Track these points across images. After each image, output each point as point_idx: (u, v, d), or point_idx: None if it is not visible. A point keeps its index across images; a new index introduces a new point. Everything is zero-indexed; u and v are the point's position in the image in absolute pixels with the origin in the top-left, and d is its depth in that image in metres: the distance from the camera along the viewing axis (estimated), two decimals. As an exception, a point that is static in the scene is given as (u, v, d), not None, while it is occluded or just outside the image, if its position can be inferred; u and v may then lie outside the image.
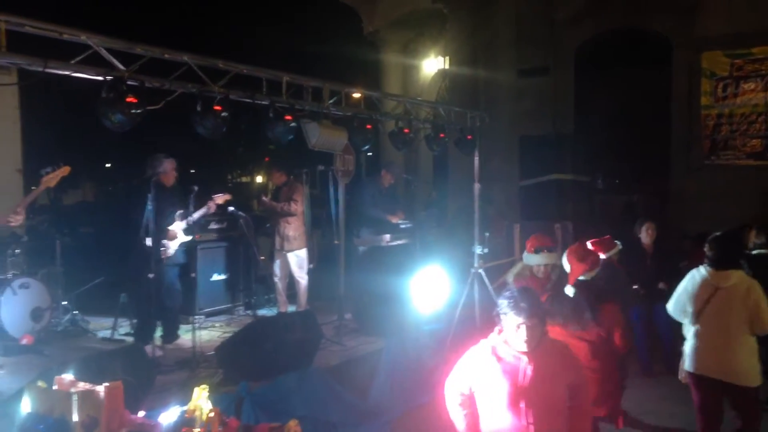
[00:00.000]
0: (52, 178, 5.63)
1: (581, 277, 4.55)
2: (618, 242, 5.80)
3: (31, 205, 7.29)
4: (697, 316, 4.89)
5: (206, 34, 17.12)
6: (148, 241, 6.53)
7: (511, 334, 3.41)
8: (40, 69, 4.19)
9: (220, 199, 7.27)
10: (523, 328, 3.36)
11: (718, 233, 5.05)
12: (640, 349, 7.60)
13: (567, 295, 4.52)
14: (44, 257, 8.20)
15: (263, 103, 5.67)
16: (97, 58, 4.54)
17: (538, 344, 3.41)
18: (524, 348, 3.40)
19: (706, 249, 4.96)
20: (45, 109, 13.41)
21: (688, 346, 5.00)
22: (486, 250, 8.25)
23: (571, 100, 11.87)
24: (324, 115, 6.26)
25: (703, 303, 4.84)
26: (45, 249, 8.28)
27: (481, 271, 8.09)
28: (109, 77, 4.56)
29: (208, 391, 3.70)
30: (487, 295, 7.92)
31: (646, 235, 7.58)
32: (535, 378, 3.38)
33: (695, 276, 5.00)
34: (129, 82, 4.63)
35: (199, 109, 5.16)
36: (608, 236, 5.81)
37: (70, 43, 4.36)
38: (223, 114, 5.17)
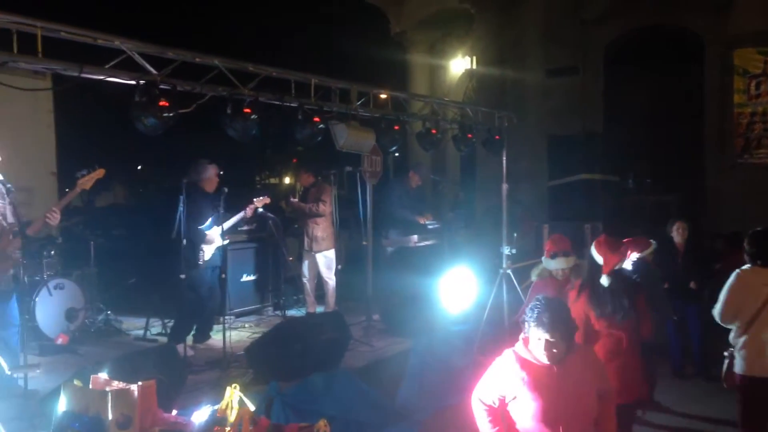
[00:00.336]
0: (87, 180, 5.63)
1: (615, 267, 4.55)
2: (653, 241, 5.74)
3: (66, 207, 7.40)
4: (754, 319, 4.67)
5: (235, 37, 17.24)
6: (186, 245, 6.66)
7: (535, 345, 3.35)
8: (76, 74, 4.27)
9: (259, 202, 7.35)
10: (544, 341, 3.29)
11: (758, 229, 4.87)
12: (672, 349, 7.52)
13: (603, 286, 4.49)
14: (79, 259, 8.36)
15: (292, 105, 5.72)
16: (130, 62, 4.62)
17: (564, 356, 3.33)
18: (547, 361, 3.34)
19: (747, 246, 4.79)
20: (78, 113, 13.63)
21: (740, 350, 4.78)
22: (514, 251, 8.21)
23: (600, 100, 11.77)
24: (352, 116, 6.29)
25: (762, 304, 4.63)
26: (79, 250, 8.43)
27: (509, 271, 8.06)
28: (141, 81, 4.64)
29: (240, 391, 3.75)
30: (516, 295, 7.89)
31: (677, 234, 7.49)
32: (563, 391, 3.31)
33: (742, 277, 4.75)
34: (161, 86, 4.70)
35: (229, 111, 5.22)
36: (643, 236, 5.75)
37: (102, 48, 4.44)
38: (253, 116, 5.23)
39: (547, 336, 3.28)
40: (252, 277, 8.81)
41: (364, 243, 8.13)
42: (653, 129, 11.39)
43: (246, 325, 8.24)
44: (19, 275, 5.40)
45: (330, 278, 8.40)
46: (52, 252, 7.60)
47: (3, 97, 7.11)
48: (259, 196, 7.40)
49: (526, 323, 3.39)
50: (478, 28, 13.15)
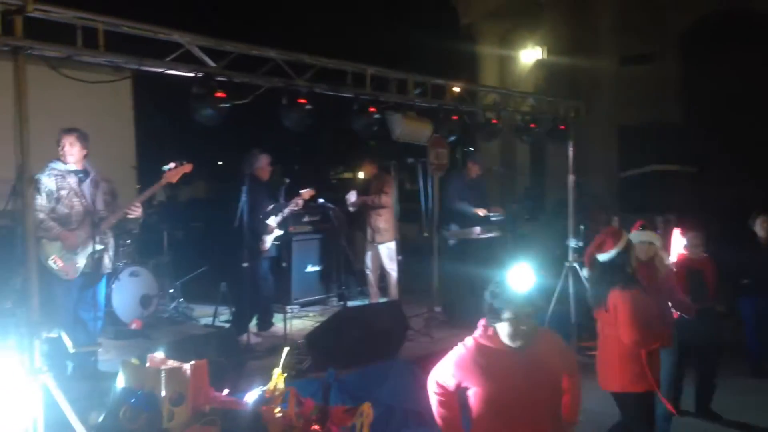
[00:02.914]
0: (174, 174, 5.73)
1: (600, 258, 4.54)
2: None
3: (149, 200, 7.69)
4: None
5: (304, 29, 17.39)
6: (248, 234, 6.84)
7: (502, 327, 3.24)
8: (135, 67, 4.47)
9: (306, 194, 7.48)
10: (512, 321, 3.19)
11: None
12: (750, 346, 7.18)
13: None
14: (153, 248, 8.72)
15: (347, 95, 5.78)
16: (188, 55, 4.78)
17: (528, 339, 3.24)
18: (511, 343, 3.24)
19: None
20: (159, 109, 14.15)
21: None
22: (581, 244, 8.02)
23: (677, 87, 11.37)
24: (409, 107, 6.30)
25: None
26: (155, 240, 8.79)
27: (575, 264, 7.88)
28: (199, 74, 4.80)
29: (295, 376, 3.85)
30: (582, 289, 7.70)
31: (761, 228, 7.15)
32: (525, 375, 3.22)
33: None
34: (218, 78, 4.85)
35: (284, 102, 5.33)
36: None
37: (160, 42, 4.61)
38: (308, 107, 5.32)
39: (523, 310, 3.20)
40: (316, 268, 8.96)
41: (425, 234, 8.13)
42: (734, 117, 10.86)
43: (310, 315, 8.38)
44: (103, 260, 5.69)
45: (392, 269, 8.42)
46: (128, 241, 7.94)
47: (86, 94, 7.46)
48: (306, 188, 7.51)
49: (490, 307, 3.28)
50: (549, 18, 12.91)
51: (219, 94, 4.73)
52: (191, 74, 4.77)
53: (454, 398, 3.43)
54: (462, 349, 3.39)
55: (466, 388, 3.34)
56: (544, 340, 3.40)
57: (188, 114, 4.94)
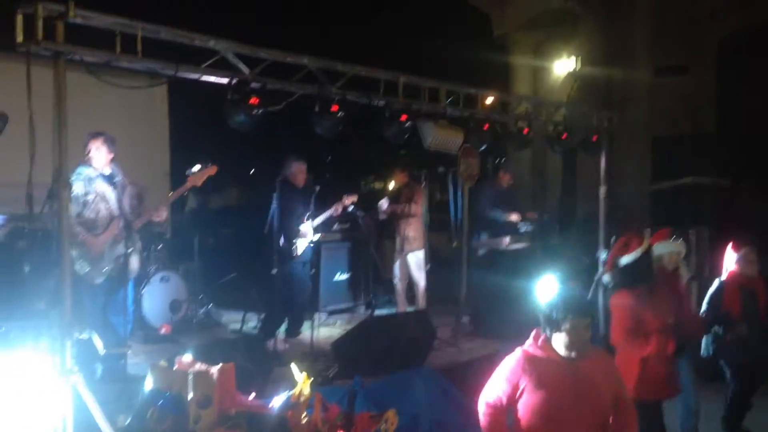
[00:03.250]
0: (198, 177, 5.79)
1: (622, 260, 4.59)
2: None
3: (182, 204, 7.72)
4: None
5: (338, 38, 17.48)
6: (281, 239, 6.87)
7: (557, 338, 3.29)
8: (172, 73, 4.53)
9: (348, 200, 7.51)
10: (581, 328, 3.24)
11: None
12: None
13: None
14: (184, 254, 8.80)
15: (379, 104, 5.80)
16: (223, 61, 4.83)
17: (583, 351, 3.28)
18: (566, 353, 3.27)
19: None
20: (192, 116, 14.32)
21: None
22: (611, 256, 7.90)
23: (712, 99, 11.21)
24: (440, 115, 6.29)
25: None
26: (185, 246, 8.87)
27: (605, 276, 7.77)
28: (234, 80, 4.85)
29: (321, 383, 3.86)
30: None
31: None
32: (576, 386, 3.25)
33: None
34: (252, 85, 4.90)
35: (317, 109, 5.37)
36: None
37: (193, 48, 4.66)
38: (340, 114, 5.35)
39: (583, 321, 3.25)
40: (345, 276, 8.97)
41: (454, 244, 8.11)
42: (768, 130, 10.67)
43: (337, 323, 8.39)
44: (129, 264, 5.74)
45: (420, 278, 8.41)
46: (159, 246, 8.03)
47: (122, 99, 7.61)
48: (348, 194, 7.56)
49: (548, 317, 3.31)
50: (583, 28, 12.81)
51: (253, 101, 4.78)
52: (226, 80, 4.82)
53: (504, 418, 3.45)
54: (510, 361, 3.43)
55: (515, 401, 3.35)
56: (596, 357, 3.43)
57: (222, 120, 4.98)
